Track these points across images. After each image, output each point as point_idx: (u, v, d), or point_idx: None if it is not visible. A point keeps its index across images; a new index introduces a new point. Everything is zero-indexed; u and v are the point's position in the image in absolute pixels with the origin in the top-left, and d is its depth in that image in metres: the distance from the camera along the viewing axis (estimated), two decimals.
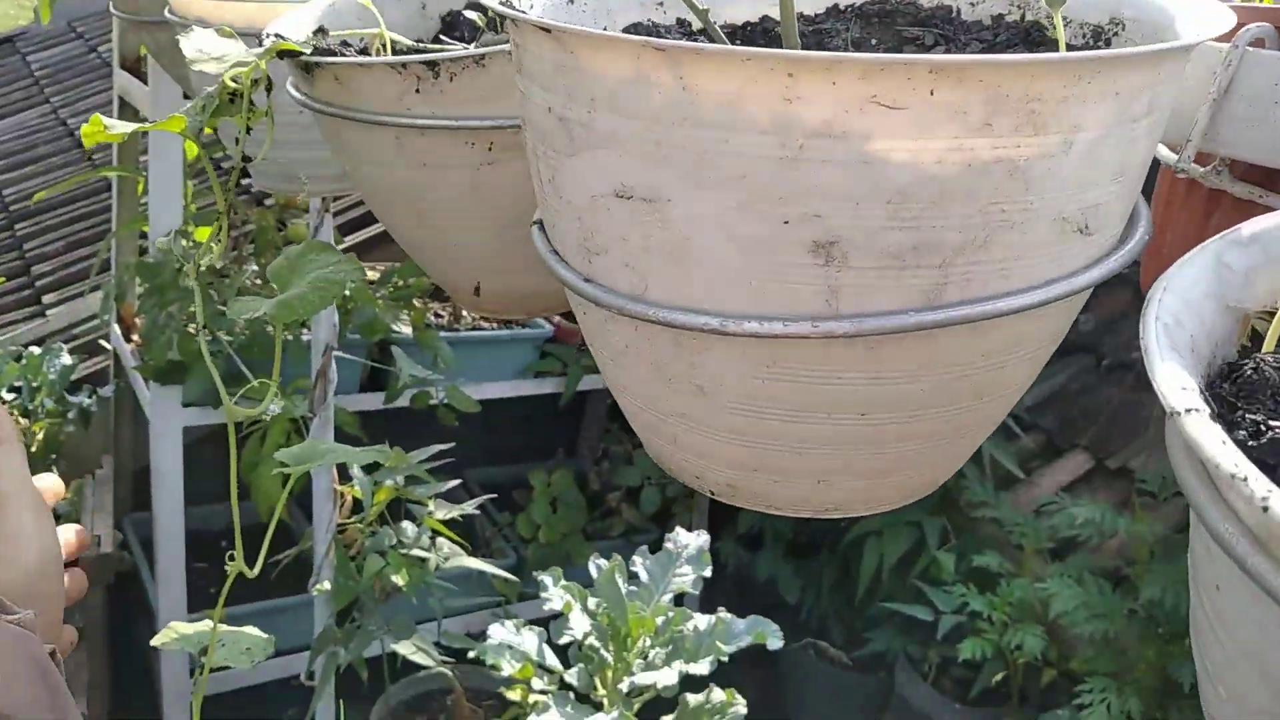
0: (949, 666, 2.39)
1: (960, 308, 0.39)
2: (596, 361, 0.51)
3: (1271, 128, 0.48)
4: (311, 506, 1.86)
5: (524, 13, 0.43)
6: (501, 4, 0.44)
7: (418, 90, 0.64)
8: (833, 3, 0.61)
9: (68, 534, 0.61)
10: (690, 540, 1.76)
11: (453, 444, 1.82)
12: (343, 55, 0.70)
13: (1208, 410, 0.26)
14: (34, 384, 2.33)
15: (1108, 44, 0.51)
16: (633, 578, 1.67)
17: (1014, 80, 0.35)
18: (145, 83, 2.26)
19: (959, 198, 0.37)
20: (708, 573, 1.69)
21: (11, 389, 2.35)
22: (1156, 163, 0.56)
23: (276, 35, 0.71)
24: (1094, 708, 1.76)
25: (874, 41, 0.57)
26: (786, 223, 0.38)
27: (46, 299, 3.18)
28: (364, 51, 0.75)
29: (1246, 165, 0.51)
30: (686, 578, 1.70)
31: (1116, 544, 2.15)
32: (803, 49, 0.54)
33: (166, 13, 1.03)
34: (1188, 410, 0.26)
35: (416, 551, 1.67)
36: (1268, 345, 0.32)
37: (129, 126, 0.64)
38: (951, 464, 0.51)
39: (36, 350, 2.41)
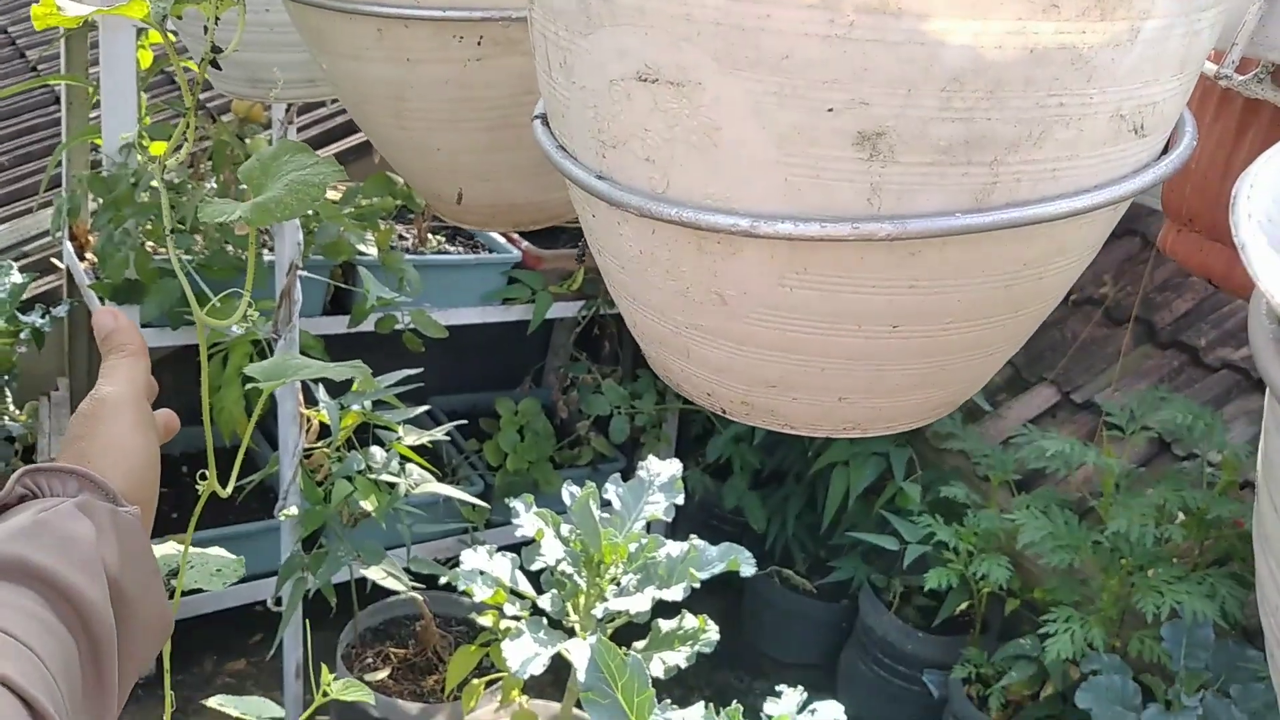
0: (912, 595, 2.42)
1: (1009, 210, 0.36)
2: (602, 270, 0.48)
3: None
4: (276, 431, 1.82)
5: None
6: None
7: None
8: None
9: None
10: (663, 468, 1.75)
11: (420, 370, 1.79)
12: None
13: None
14: None
15: None
16: (605, 505, 1.66)
17: None
18: None
19: (1017, 87, 0.34)
20: (680, 500, 1.68)
21: None
22: None
23: None
24: (1058, 636, 1.79)
25: None
26: (830, 110, 0.34)
27: None
28: None
29: None
30: (659, 505, 1.69)
31: (1082, 476, 2.17)
32: None
33: None
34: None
35: (385, 477, 1.64)
36: None
37: (85, 9, 0.59)
38: (975, 382, 0.48)
39: None
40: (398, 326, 2.19)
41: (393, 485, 1.66)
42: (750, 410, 0.47)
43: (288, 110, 1.43)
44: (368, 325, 2.19)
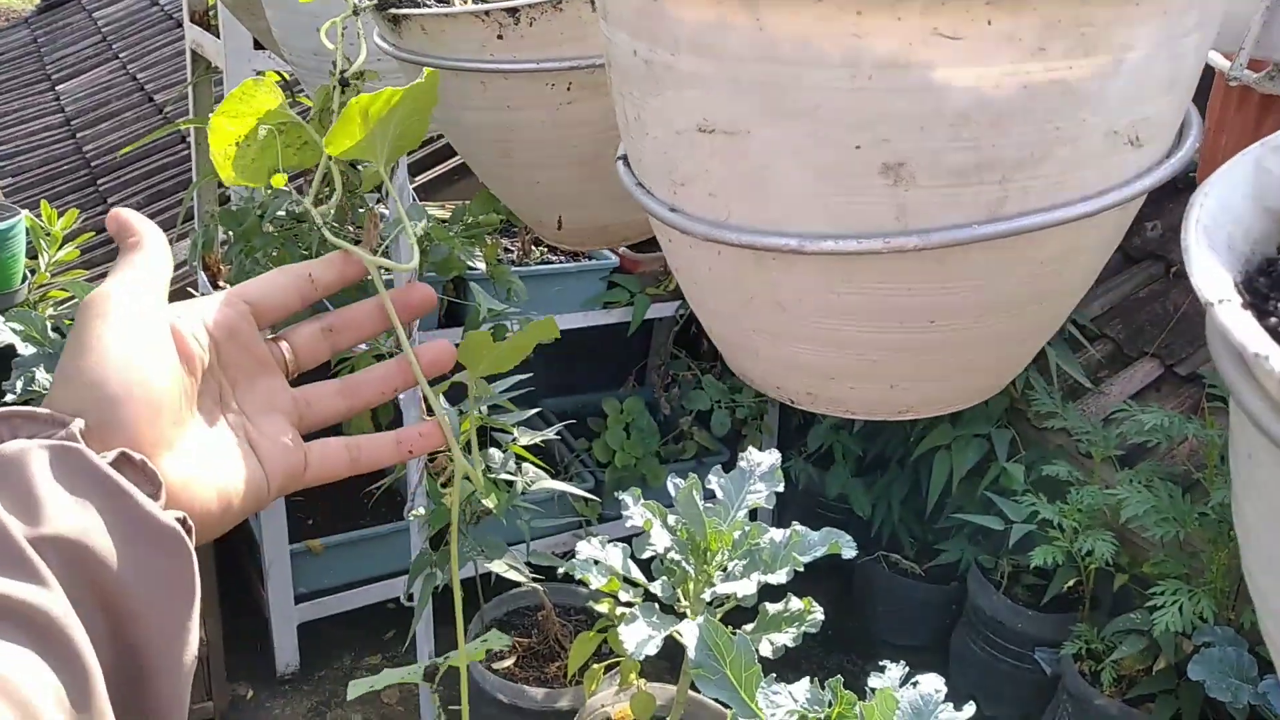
0: (1020, 575, 2.43)
1: (1019, 219, 0.43)
2: (681, 286, 0.56)
3: None
4: None
5: None
6: None
7: (500, 36, 0.68)
8: None
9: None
10: (763, 459, 1.82)
11: (530, 374, 1.89)
12: (426, 6, 0.74)
13: (1239, 300, 0.30)
14: None
15: None
16: (709, 495, 1.73)
17: (1065, 7, 0.38)
18: (216, 35, 2.32)
19: (1016, 118, 0.40)
20: (780, 488, 1.75)
21: None
22: (1211, 70, 0.58)
23: None
24: (1166, 609, 1.79)
25: None
26: (858, 148, 0.42)
27: None
28: (445, 1, 0.79)
29: None
30: (760, 493, 1.76)
31: (1186, 449, 2.16)
32: None
33: None
34: (1220, 300, 0.30)
35: (503, 476, 1.75)
36: None
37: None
38: (1016, 365, 0.55)
39: None
40: (508, 334, 2.31)
41: (510, 483, 1.77)
42: (815, 399, 0.54)
43: None
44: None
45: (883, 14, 0.38)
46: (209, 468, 0.48)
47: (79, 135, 4.43)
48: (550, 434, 1.84)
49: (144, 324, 0.47)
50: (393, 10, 0.71)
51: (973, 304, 0.47)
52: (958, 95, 0.40)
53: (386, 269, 0.59)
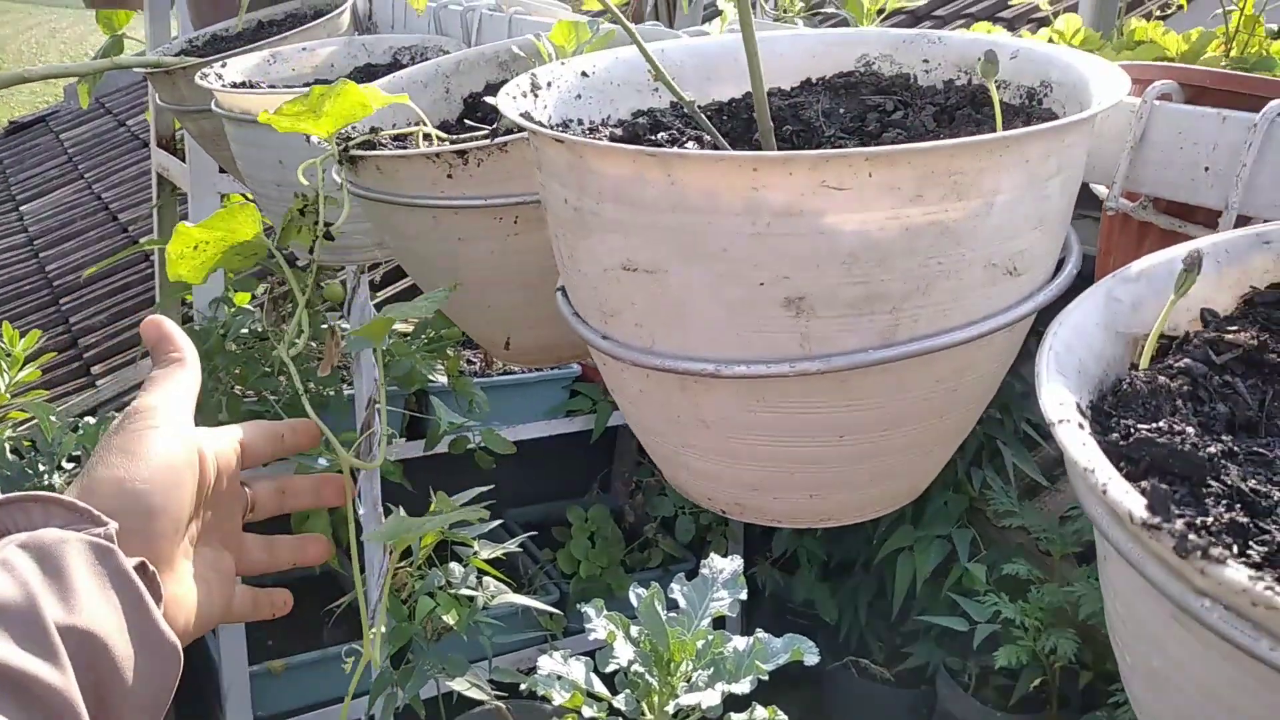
0: (989, 675, 2.43)
1: (911, 344, 0.48)
2: (618, 404, 0.60)
3: (1179, 171, 0.56)
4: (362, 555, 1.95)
5: (541, 126, 0.52)
6: (521, 116, 0.53)
7: (450, 175, 0.73)
8: (805, 77, 0.70)
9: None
10: (725, 565, 1.84)
11: (492, 485, 1.91)
12: (381, 148, 0.79)
13: (1076, 420, 0.34)
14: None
15: (1039, 103, 0.60)
16: (672, 605, 1.74)
17: (937, 160, 0.44)
18: (182, 159, 2.39)
19: (900, 256, 0.45)
20: (743, 595, 1.76)
21: (71, 459, 2.46)
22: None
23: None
24: (1127, 707, 1.80)
25: (842, 110, 0.65)
26: (762, 284, 0.46)
27: (95, 370, 3.31)
28: (398, 138, 0.85)
29: (1168, 201, 0.59)
30: (723, 601, 1.77)
31: None
32: (780, 122, 0.63)
33: (213, 105, 1.14)
34: (1060, 421, 0.34)
35: (464, 591, 1.75)
36: (1142, 364, 0.40)
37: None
38: (928, 472, 0.59)
39: (92, 420, 2.53)
40: (470, 446, 2.33)
41: (471, 598, 1.77)
42: (743, 509, 0.58)
43: (358, 265, 1.60)
44: (442, 447, 2.34)
45: (776, 170, 0.44)
46: (184, 592, 0.53)
47: (42, 255, 4.46)
48: (512, 546, 1.85)
49: (186, 444, 0.52)
50: (351, 152, 0.76)
51: (876, 419, 0.51)
52: (847, 238, 0.45)
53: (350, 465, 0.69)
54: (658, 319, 0.50)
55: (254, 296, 2.40)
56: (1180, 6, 3.33)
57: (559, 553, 2.74)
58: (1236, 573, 0.27)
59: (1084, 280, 0.56)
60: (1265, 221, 0.55)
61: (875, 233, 0.45)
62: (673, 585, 1.78)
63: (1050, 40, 3.00)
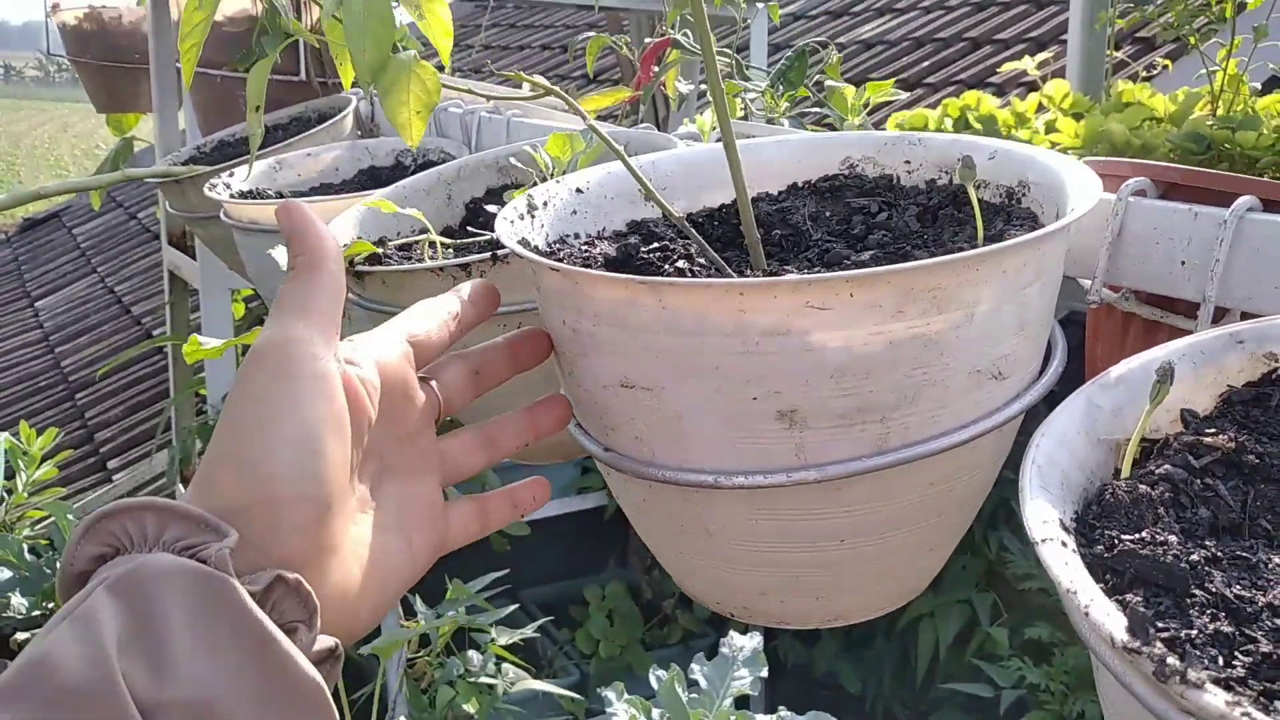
0: None
1: (902, 450, 0.49)
2: (624, 511, 0.61)
3: (1156, 265, 0.58)
4: None
5: (538, 254, 0.54)
6: (519, 243, 0.55)
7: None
8: (792, 181, 0.72)
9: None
10: (745, 643, 1.83)
11: (507, 570, 1.92)
12: (387, 259, 0.82)
13: (1059, 539, 0.35)
14: None
15: (1019, 202, 0.62)
16: (692, 685, 1.73)
17: (915, 279, 0.46)
18: (193, 258, 2.44)
19: (886, 368, 0.47)
20: (764, 673, 1.75)
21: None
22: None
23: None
24: None
25: (828, 214, 0.68)
26: (755, 399, 0.48)
27: (111, 464, 3.34)
28: (404, 248, 0.88)
29: (1148, 293, 0.60)
30: (744, 680, 1.76)
31: None
32: (769, 227, 0.65)
33: (221, 215, 1.18)
34: (1043, 540, 0.35)
35: (484, 679, 1.74)
36: (1124, 472, 0.42)
37: (218, 343, 0.76)
38: (932, 568, 0.60)
39: None
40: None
41: (491, 686, 1.76)
42: (751, 613, 0.58)
43: None
44: None
45: (762, 294, 0.46)
46: (366, 563, 0.43)
47: (57, 350, 4.52)
48: (529, 631, 1.84)
49: (322, 390, 0.41)
50: (357, 268, 0.79)
51: (874, 523, 0.52)
52: (833, 354, 0.47)
53: None
54: (657, 433, 0.51)
55: None
56: (1165, 67, 3.40)
57: (577, 632, 2.72)
58: (1214, 697, 0.28)
59: (1076, 366, 0.58)
60: (1242, 313, 0.57)
61: (860, 348, 0.47)
62: (692, 665, 1.77)
63: (1040, 105, 3.05)
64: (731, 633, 1.84)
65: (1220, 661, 0.34)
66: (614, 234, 0.67)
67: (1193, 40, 2.79)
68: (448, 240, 0.87)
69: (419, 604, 1.89)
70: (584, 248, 0.63)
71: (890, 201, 0.67)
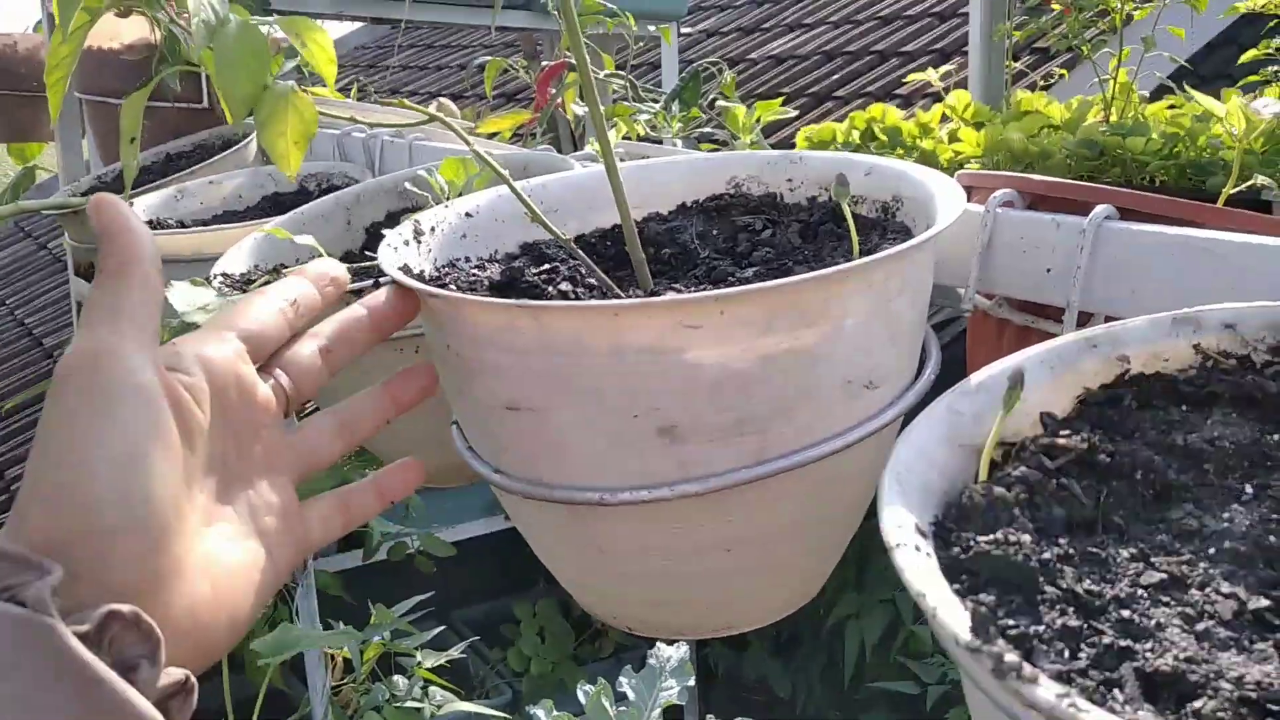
0: None
1: (780, 460, 0.50)
2: (520, 531, 0.61)
3: (1024, 273, 0.60)
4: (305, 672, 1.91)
5: (418, 280, 0.55)
6: (400, 269, 0.55)
7: None
8: (681, 201, 0.73)
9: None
10: (671, 653, 1.84)
11: (431, 592, 1.90)
12: None
13: (912, 544, 0.37)
14: None
15: (894, 217, 0.64)
16: (620, 698, 1.74)
17: (783, 295, 0.47)
18: None
19: (760, 381, 0.48)
20: (691, 682, 1.76)
21: None
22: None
23: (222, 275, 0.82)
24: None
25: (715, 232, 0.69)
26: (635, 416, 0.49)
27: None
28: None
29: (1020, 299, 0.63)
30: (672, 690, 1.77)
31: None
32: (659, 246, 0.66)
33: None
34: (896, 545, 0.37)
35: (410, 703, 1.72)
36: (981, 476, 0.43)
37: None
38: (822, 573, 0.61)
39: None
40: (409, 551, 2.31)
41: (418, 710, 1.74)
42: (647, 625, 0.59)
43: None
44: (381, 555, 2.32)
45: (636, 315, 0.47)
46: (219, 580, 0.41)
47: None
48: (456, 653, 1.83)
49: (141, 402, 0.38)
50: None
51: (760, 532, 0.54)
52: (708, 370, 0.48)
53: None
54: (544, 453, 0.52)
55: None
56: (1062, 76, 3.50)
57: (509, 651, 2.71)
58: (1045, 691, 0.30)
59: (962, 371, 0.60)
60: (1106, 316, 0.59)
61: (734, 363, 0.48)
62: (620, 678, 1.77)
63: (944, 116, 3.13)
64: (658, 644, 1.85)
65: (1066, 654, 0.35)
66: (505, 256, 0.68)
67: (1085, 50, 2.90)
68: (346, 266, 0.87)
69: (342, 629, 1.86)
70: (473, 271, 0.63)
71: (774, 219, 0.69)
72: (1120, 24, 2.90)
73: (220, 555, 0.41)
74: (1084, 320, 0.59)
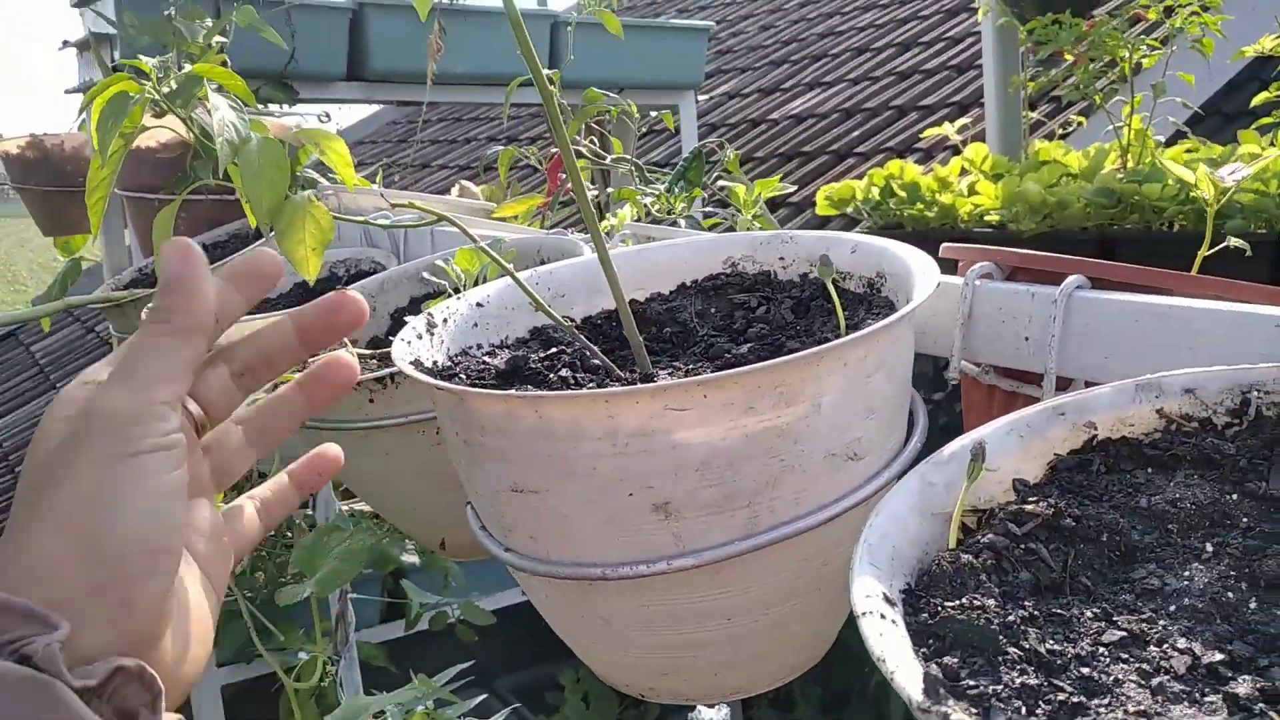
0: None
1: (770, 532, 0.53)
2: (534, 604, 0.65)
3: (1005, 341, 0.63)
4: None
5: (427, 375, 0.59)
6: (411, 364, 0.60)
7: (372, 400, 0.79)
8: (681, 281, 0.77)
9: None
10: (712, 715, 1.84)
11: (472, 661, 1.92)
12: None
13: (878, 611, 0.39)
14: None
15: (879, 292, 0.67)
16: None
17: (761, 379, 0.50)
18: None
19: (745, 458, 0.52)
20: None
21: None
22: None
23: None
24: None
25: (713, 310, 0.73)
26: (630, 495, 0.52)
27: None
28: None
29: (1004, 366, 0.66)
30: None
31: None
32: (660, 325, 0.70)
33: None
34: (863, 614, 0.39)
35: None
36: (951, 543, 0.46)
37: None
38: (828, 634, 0.64)
39: None
40: (450, 620, 2.33)
41: None
42: (657, 692, 0.62)
43: None
44: (423, 624, 2.34)
45: (625, 401, 0.50)
46: (185, 620, 0.41)
47: (17, 470, 4.47)
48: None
49: (170, 459, 0.39)
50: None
51: (757, 600, 0.56)
52: (695, 449, 0.51)
53: None
54: (548, 532, 0.55)
55: None
56: (1080, 123, 3.51)
57: (554, 717, 2.70)
58: None
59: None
60: (1085, 381, 0.62)
61: (719, 442, 0.51)
62: None
63: (963, 169, 3.15)
64: (699, 706, 1.86)
65: (1023, 711, 0.38)
66: (516, 341, 0.72)
67: (1098, 100, 2.92)
68: (370, 352, 0.91)
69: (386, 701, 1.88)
70: (484, 358, 0.67)
71: (768, 296, 0.72)
72: (1130, 72, 2.91)
73: (187, 593, 0.42)
74: (1064, 385, 0.62)
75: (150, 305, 0.43)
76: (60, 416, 0.39)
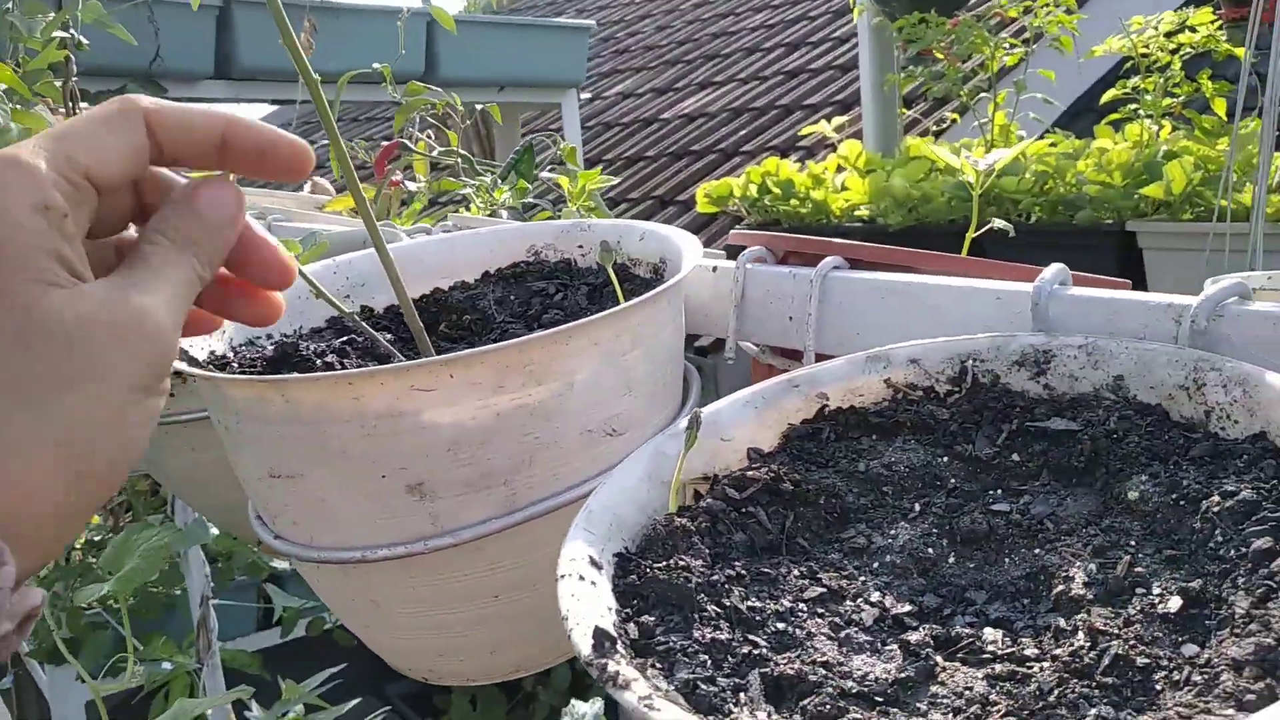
0: None
1: (527, 509, 0.54)
2: (314, 590, 0.65)
3: (772, 321, 0.65)
4: None
5: (184, 365, 0.59)
6: (187, 360, 0.59)
7: (172, 394, 0.78)
8: (485, 270, 0.78)
9: None
10: (586, 709, 1.85)
11: (344, 665, 1.90)
12: None
13: (578, 574, 0.41)
14: None
15: (663, 277, 0.69)
16: None
17: (508, 357, 0.52)
18: None
19: (497, 436, 0.53)
20: None
21: None
22: None
23: None
24: None
25: (513, 298, 0.74)
26: (384, 477, 0.53)
27: None
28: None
29: (776, 346, 0.68)
30: None
31: None
32: (461, 313, 0.71)
33: None
34: (561, 576, 0.41)
35: None
36: (671, 508, 0.48)
37: None
38: None
39: None
40: (327, 625, 2.30)
41: None
42: (438, 674, 0.63)
43: None
44: (300, 630, 2.30)
45: (370, 382, 0.51)
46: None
47: None
48: None
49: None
50: None
51: (524, 577, 0.57)
52: (444, 429, 0.52)
53: None
54: (309, 516, 0.56)
55: None
56: (954, 120, 3.61)
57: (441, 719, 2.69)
58: (631, 695, 0.34)
59: None
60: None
61: (469, 421, 0.52)
62: None
63: (839, 166, 3.23)
64: (573, 701, 1.87)
65: (709, 664, 0.40)
66: (311, 331, 0.72)
67: (964, 97, 3.00)
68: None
69: (254, 708, 1.85)
70: (268, 348, 0.67)
71: (566, 283, 0.74)
72: (995, 70, 3.01)
73: None
74: (820, 361, 0.64)
75: None
76: None
